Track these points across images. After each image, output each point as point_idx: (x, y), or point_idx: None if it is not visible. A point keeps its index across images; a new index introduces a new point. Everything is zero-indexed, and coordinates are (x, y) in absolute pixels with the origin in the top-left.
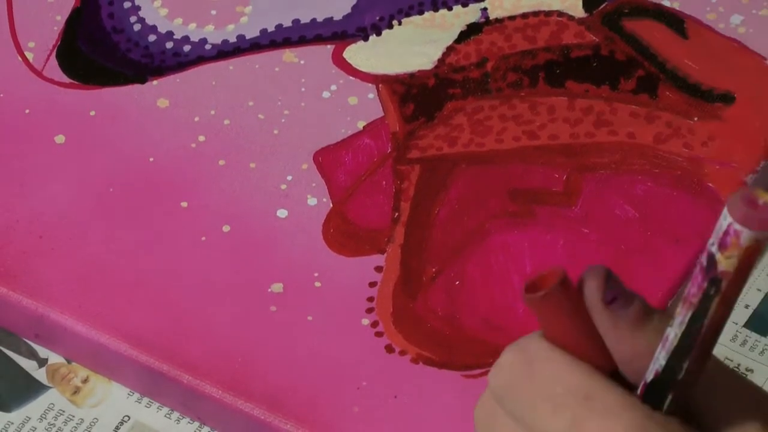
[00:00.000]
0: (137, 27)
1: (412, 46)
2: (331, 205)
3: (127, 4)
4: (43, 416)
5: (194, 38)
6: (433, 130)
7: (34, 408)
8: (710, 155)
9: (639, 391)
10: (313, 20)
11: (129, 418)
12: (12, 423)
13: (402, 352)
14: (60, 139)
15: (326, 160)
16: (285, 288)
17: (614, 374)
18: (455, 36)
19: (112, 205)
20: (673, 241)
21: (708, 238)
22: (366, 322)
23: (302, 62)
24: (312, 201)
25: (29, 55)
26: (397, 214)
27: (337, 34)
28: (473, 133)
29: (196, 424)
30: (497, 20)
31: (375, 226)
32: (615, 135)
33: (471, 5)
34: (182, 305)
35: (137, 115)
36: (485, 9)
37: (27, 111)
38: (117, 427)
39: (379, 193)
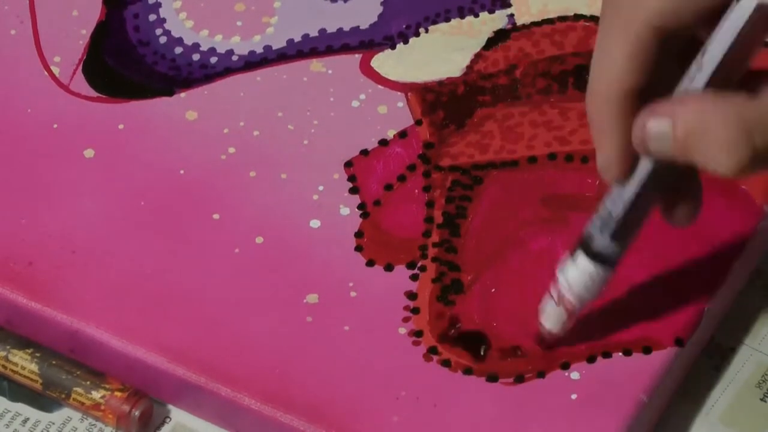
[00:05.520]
0: (163, 39)
1: (440, 54)
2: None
3: (152, 17)
4: (84, 417)
5: (221, 50)
6: (463, 137)
7: None
8: None
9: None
10: (340, 29)
11: (170, 419)
12: (53, 423)
13: (440, 361)
14: (89, 153)
15: (358, 169)
16: (320, 298)
17: None
18: (483, 43)
19: (144, 218)
20: (708, 244)
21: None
22: (403, 331)
23: (330, 72)
24: (345, 210)
25: (55, 70)
26: (430, 222)
27: (364, 42)
28: (504, 139)
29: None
30: (524, 26)
31: (408, 234)
32: None
33: (497, 12)
34: (217, 318)
35: (166, 127)
36: (512, 15)
37: (55, 126)
38: (158, 427)
39: (411, 202)
